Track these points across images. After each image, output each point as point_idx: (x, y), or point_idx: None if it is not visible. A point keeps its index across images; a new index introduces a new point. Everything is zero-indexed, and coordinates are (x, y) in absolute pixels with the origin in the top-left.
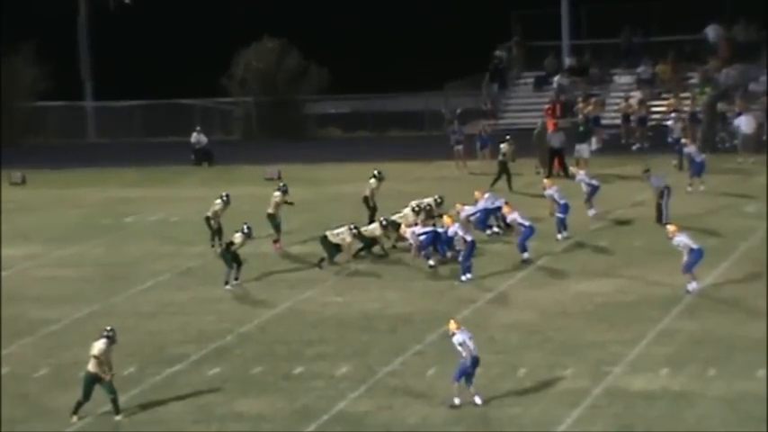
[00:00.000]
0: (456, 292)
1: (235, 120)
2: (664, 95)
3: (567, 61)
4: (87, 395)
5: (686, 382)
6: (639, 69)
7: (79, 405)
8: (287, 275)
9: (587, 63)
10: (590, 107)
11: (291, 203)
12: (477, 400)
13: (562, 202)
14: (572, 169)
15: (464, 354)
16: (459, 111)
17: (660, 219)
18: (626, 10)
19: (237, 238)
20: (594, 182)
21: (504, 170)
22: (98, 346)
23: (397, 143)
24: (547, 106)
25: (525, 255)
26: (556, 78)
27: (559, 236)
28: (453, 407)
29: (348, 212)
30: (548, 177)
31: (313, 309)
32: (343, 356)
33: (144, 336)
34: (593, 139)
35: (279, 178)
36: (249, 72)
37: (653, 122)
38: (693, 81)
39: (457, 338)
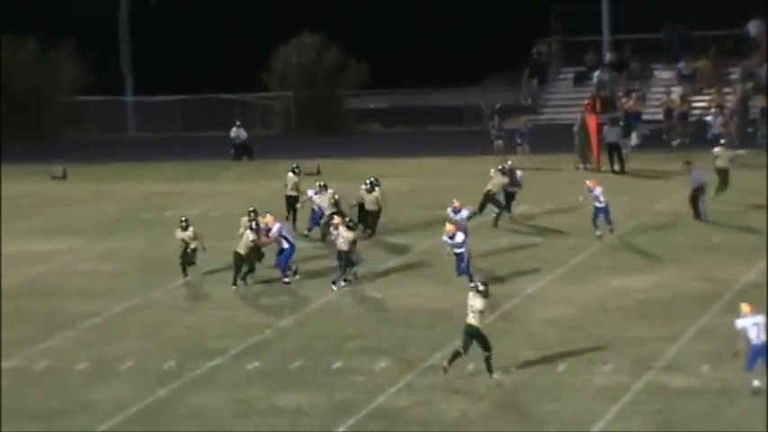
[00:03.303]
0: (496, 287)
1: (275, 115)
2: (705, 91)
3: (608, 56)
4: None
5: (727, 378)
6: (680, 64)
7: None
8: (326, 270)
9: (628, 58)
10: (630, 102)
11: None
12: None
13: (601, 204)
14: (589, 183)
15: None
16: (498, 106)
17: (698, 214)
18: (667, 4)
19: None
20: (601, 203)
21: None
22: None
23: (436, 138)
24: (587, 101)
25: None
26: (596, 73)
27: (598, 232)
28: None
29: (390, 212)
30: (612, 173)
31: (352, 304)
32: (382, 351)
33: (183, 330)
34: (634, 135)
35: (318, 173)
36: (289, 67)
37: (694, 118)
38: (734, 77)
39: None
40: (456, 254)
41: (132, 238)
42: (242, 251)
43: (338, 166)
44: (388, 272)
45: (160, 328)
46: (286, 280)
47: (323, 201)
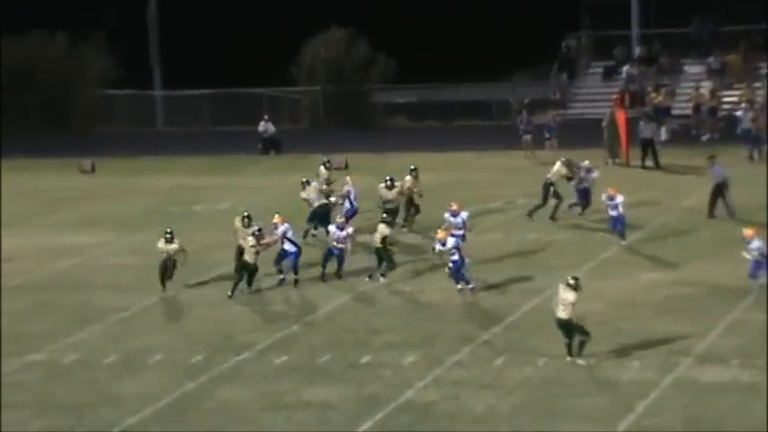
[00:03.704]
0: (524, 282)
1: (302, 109)
2: (734, 86)
3: (637, 51)
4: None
5: (756, 373)
6: (710, 59)
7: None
8: (354, 264)
9: (657, 53)
10: (660, 97)
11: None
12: None
13: (618, 213)
14: (610, 191)
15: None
16: (527, 100)
17: (712, 213)
18: None
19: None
20: (617, 211)
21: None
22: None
23: (464, 133)
24: (616, 96)
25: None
26: (625, 68)
27: (623, 242)
28: None
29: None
30: (642, 168)
31: (380, 298)
32: (410, 346)
33: (211, 324)
34: (663, 130)
35: (346, 167)
36: (317, 61)
37: (723, 113)
38: (764, 71)
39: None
40: (451, 261)
41: (160, 232)
42: (249, 259)
43: (366, 160)
44: (416, 266)
45: (188, 322)
46: (289, 277)
47: (310, 194)
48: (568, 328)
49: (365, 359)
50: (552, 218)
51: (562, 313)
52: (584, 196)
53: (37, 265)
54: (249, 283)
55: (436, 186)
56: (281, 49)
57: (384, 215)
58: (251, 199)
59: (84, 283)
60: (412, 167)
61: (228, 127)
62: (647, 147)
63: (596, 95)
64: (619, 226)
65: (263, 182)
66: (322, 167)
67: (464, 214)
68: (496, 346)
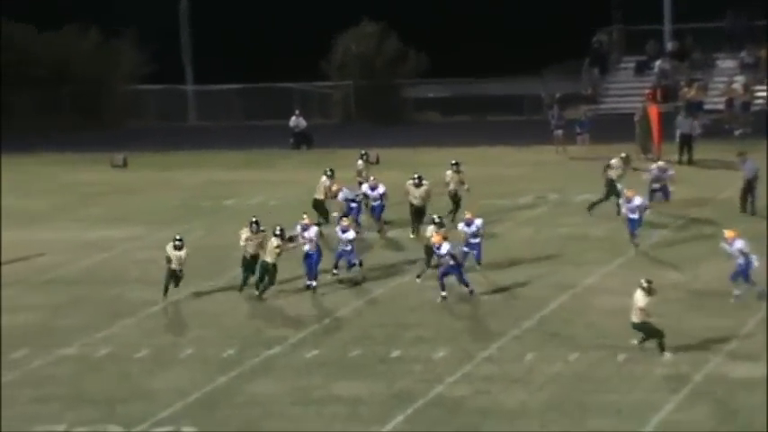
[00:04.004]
0: (555, 277)
1: (334, 104)
2: None
3: (669, 45)
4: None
5: None
6: (743, 54)
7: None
8: (384, 260)
9: (689, 47)
10: (692, 92)
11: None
12: None
13: (635, 216)
14: (628, 193)
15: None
16: (558, 95)
17: (744, 208)
18: None
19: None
20: (636, 214)
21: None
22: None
23: (495, 128)
24: (648, 91)
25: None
26: (657, 63)
27: (636, 241)
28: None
29: (446, 198)
30: (679, 163)
31: (410, 293)
32: (440, 341)
33: (243, 318)
34: (695, 124)
35: (377, 162)
36: (348, 56)
37: (756, 107)
38: None
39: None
40: (450, 266)
41: (192, 227)
42: (269, 259)
43: (397, 155)
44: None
45: (219, 316)
46: (314, 284)
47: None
48: (643, 330)
49: (395, 354)
50: (590, 209)
51: (633, 317)
52: (665, 194)
53: (69, 259)
54: (259, 285)
55: (469, 181)
56: (313, 44)
57: (435, 217)
58: (282, 194)
59: (115, 277)
60: (453, 162)
61: (260, 122)
62: (685, 142)
63: (628, 90)
64: (634, 229)
65: (294, 177)
66: (360, 160)
67: (478, 222)
68: (527, 341)
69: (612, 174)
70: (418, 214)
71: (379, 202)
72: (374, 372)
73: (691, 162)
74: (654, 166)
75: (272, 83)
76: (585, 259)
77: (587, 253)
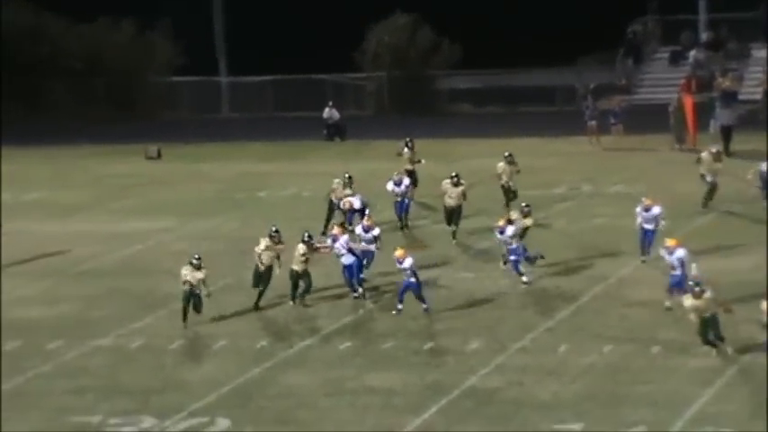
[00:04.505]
0: (588, 270)
1: (367, 95)
2: None
3: (704, 36)
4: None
5: None
6: None
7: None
8: (417, 252)
9: (724, 37)
10: (727, 82)
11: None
12: None
13: (651, 227)
14: (645, 201)
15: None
16: (592, 86)
17: None
18: None
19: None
20: (652, 225)
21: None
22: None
23: (528, 119)
24: (683, 81)
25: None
26: (692, 53)
27: (643, 257)
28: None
29: (481, 190)
30: (727, 155)
31: (444, 285)
32: (473, 332)
33: (276, 310)
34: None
35: (401, 155)
36: (381, 47)
37: None
38: None
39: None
40: (408, 281)
41: (226, 218)
42: (297, 267)
43: (430, 146)
44: (479, 252)
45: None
46: (356, 294)
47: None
48: (709, 325)
49: (428, 345)
50: (704, 206)
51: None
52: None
53: (103, 250)
54: (294, 295)
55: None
56: (346, 36)
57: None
58: (316, 185)
59: (149, 268)
60: (507, 153)
61: (293, 113)
62: (726, 133)
63: (662, 81)
64: (648, 242)
65: (327, 168)
66: (405, 148)
67: (510, 230)
68: (560, 332)
69: (702, 169)
70: (453, 215)
71: (402, 198)
72: (407, 363)
73: (728, 153)
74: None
75: (305, 74)
76: (619, 250)
77: (621, 244)
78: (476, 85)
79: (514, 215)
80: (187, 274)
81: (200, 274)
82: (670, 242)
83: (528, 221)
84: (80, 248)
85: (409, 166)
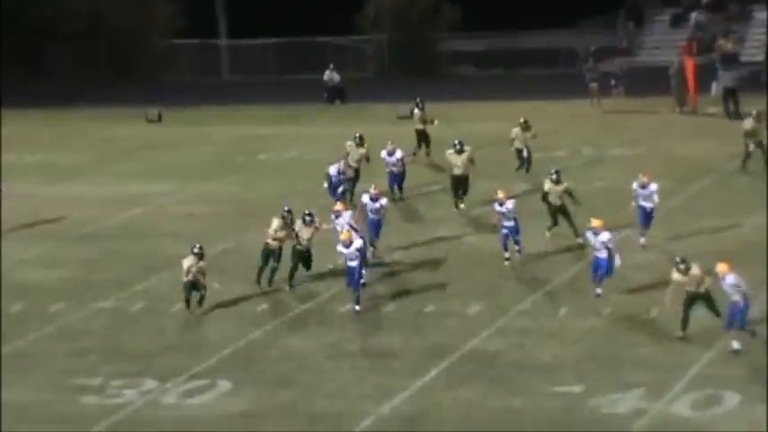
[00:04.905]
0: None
1: (367, 58)
2: None
3: None
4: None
5: None
6: None
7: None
8: (419, 214)
9: None
10: (729, 44)
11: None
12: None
13: (650, 205)
14: (643, 177)
15: (737, 297)
16: (593, 48)
17: None
18: None
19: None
20: (650, 203)
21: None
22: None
23: (530, 81)
24: (683, 43)
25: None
26: (693, 15)
27: (643, 240)
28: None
29: (482, 153)
30: (727, 117)
31: (445, 247)
32: (474, 295)
33: (277, 273)
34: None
35: (411, 116)
36: (382, 10)
37: None
38: None
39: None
40: (348, 267)
41: (226, 182)
42: (299, 246)
43: (431, 109)
44: (480, 216)
45: (254, 270)
46: (363, 272)
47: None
48: (698, 301)
49: (430, 308)
50: (743, 167)
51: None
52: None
53: (104, 213)
54: (292, 275)
55: (501, 135)
56: None
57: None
58: (317, 148)
59: (150, 231)
60: (522, 120)
61: (294, 76)
62: (729, 95)
63: (664, 43)
64: (644, 219)
65: (328, 131)
66: (416, 109)
67: (510, 203)
68: (560, 296)
69: (745, 127)
70: (461, 184)
71: (397, 169)
72: (408, 326)
73: (738, 115)
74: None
75: (305, 37)
76: (620, 213)
77: (621, 207)
78: (477, 48)
79: (501, 194)
80: (193, 265)
81: (203, 264)
82: (596, 223)
83: (560, 188)
84: (81, 211)
85: (420, 126)
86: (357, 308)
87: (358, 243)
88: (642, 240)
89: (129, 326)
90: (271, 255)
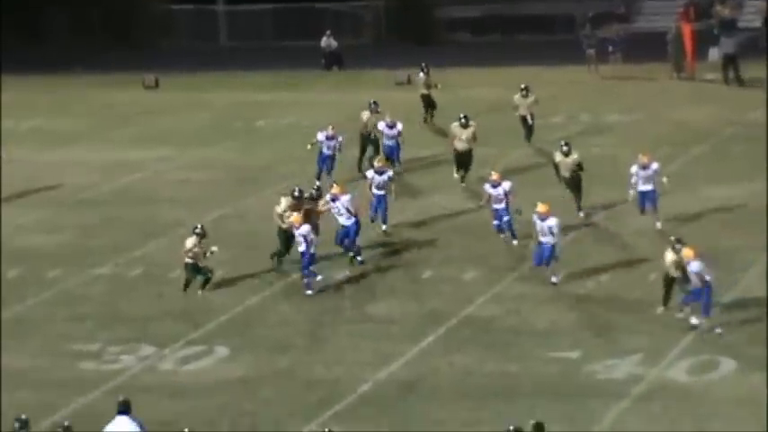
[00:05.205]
0: (588, 198)
1: (365, 24)
2: None
3: None
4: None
5: None
6: None
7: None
8: (415, 181)
9: None
10: (726, 10)
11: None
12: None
13: (650, 187)
14: (643, 158)
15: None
16: (591, 14)
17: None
18: None
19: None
20: (650, 185)
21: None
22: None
23: (527, 47)
24: (681, 9)
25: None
26: None
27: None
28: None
29: (479, 121)
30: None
31: (442, 214)
32: (470, 261)
33: (274, 238)
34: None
35: (409, 82)
36: None
37: None
38: None
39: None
40: (301, 253)
41: (223, 148)
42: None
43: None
44: (475, 181)
45: (251, 236)
46: (360, 258)
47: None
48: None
49: (426, 274)
50: None
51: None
52: None
53: (101, 179)
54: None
55: (498, 101)
56: None
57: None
58: (314, 114)
59: (148, 197)
60: (522, 86)
61: (291, 42)
62: (729, 62)
63: (661, 9)
64: (648, 203)
65: (326, 98)
66: (421, 73)
67: (506, 185)
68: (558, 261)
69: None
70: (464, 159)
71: (394, 142)
72: (405, 292)
73: (741, 81)
74: None
75: (303, 3)
76: (618, 180)
77: (619, 173)
78: (474, 14)
79: (495, 175)
80: (195, 246)
81: (204, 243)
82: (542, 208)
83: (570, 159)
84: (78, 177)
85: (425, 91)
86: (309, 292)
87: (305, 228)
88: (658, 225)
89: (127, 292)
90: (291, 238)
